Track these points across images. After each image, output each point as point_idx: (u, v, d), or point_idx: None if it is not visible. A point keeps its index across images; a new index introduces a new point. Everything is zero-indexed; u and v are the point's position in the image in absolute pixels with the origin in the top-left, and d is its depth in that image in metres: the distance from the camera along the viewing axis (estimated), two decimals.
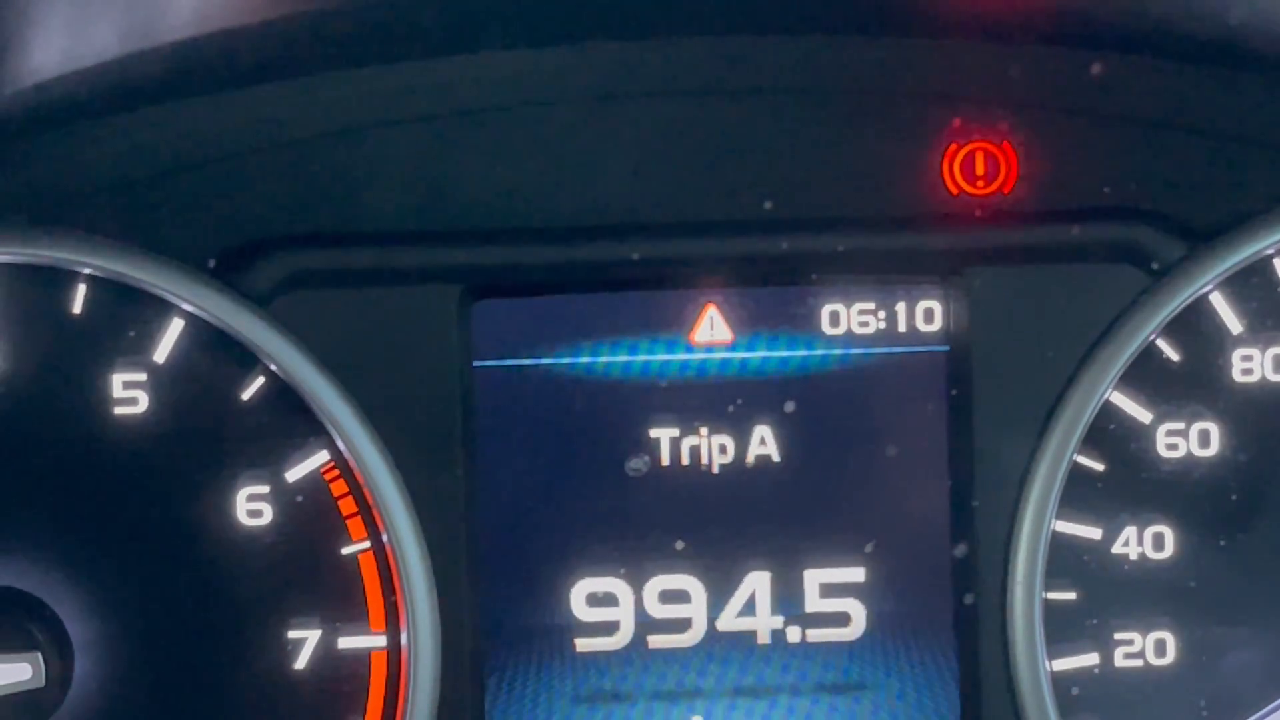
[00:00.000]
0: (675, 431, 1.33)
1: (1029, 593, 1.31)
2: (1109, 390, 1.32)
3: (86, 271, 1.28)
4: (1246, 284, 1.33)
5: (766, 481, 1.33)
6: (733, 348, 1.33)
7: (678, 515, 1.33)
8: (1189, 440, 1.33)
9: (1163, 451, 1.33)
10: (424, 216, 1.31)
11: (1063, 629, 1.32)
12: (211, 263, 1.29)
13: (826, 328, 1.33)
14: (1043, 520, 1.32)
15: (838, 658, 1.34)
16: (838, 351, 1.33)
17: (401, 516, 1.30)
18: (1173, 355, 1.33)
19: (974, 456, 1.33)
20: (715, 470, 1.33)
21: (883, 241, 1.32)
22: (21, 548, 1.28)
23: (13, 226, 1.28)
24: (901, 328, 1.34)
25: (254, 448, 1.30)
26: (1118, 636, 1.33)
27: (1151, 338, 1.32)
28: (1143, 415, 1.33)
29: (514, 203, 1.31)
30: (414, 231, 1.31)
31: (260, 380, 1.30)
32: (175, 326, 1.29)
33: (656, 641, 1.33)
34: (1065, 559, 1.32)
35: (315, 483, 1.30)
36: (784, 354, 1.33)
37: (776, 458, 1.33)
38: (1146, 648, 1.33)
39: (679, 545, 1.33)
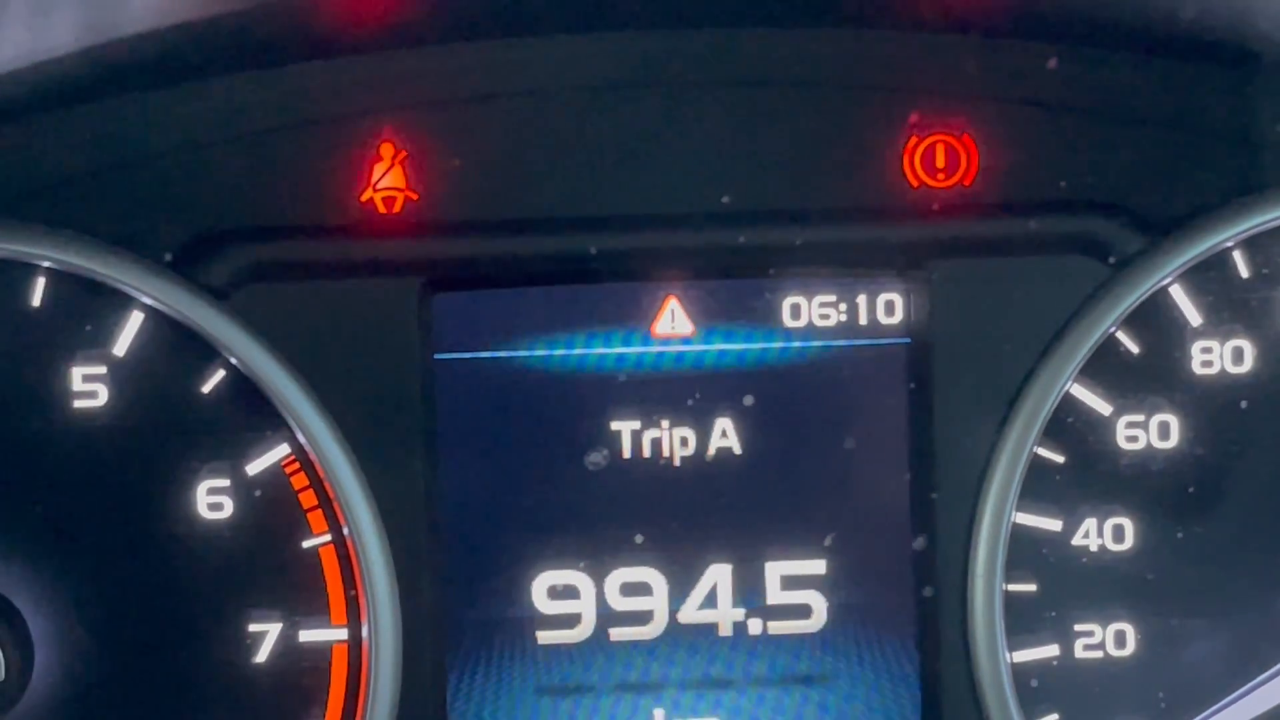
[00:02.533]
0: (636, 424, 1.32)
1: (989, 585, 1.31)
2: (1069, 382, 1.31)
3: (45, 264, 1.27)
4: (1205, 276, 1.32)
5: (727, 474, 1.32)
6: (694, 340, 1.32)
7: (638, 508, 1.32)
8: (1149, 432, 1.32)
9: (1123, 443, 1.32)
10: (384, 208, 1.29)
11: (1023, 621, 1.32)
12: (168, 255, 1.28)
13: (787, 320, 1.32)
14: (1003, 512, 1.31)
15: (799, 650, 1.33)
16: (799, 344, 1.32)
17: (362, 510, 1.28)
18: (1132, 348, 1.32)
19: (934, 449, 1.32)
20: (676, 463, 1.32)
21: (843, 234, 1.32)
22: None
23: None
24: (862, 320, 1.33)
25: (214, 441, 1.29)
26: (1078, 628, 1.32)
27: (1111, 330, 1.31)
28: (1103, 407, 1.32)
29: (473, 195, 1.30)
30: (375, 223, 1.29)
31: (220, 373, 1.29)
32: (134, 319, 1.28)
33: (618, 634, 1.32)
34: (1025, 551, 1.32)
35: (276, 476, 1.29)
36: (745, 346, 1.33)
37: (737, 450, 1.32)
38: (1106, 639, 1.32)
39: (639, 538, 1.32)
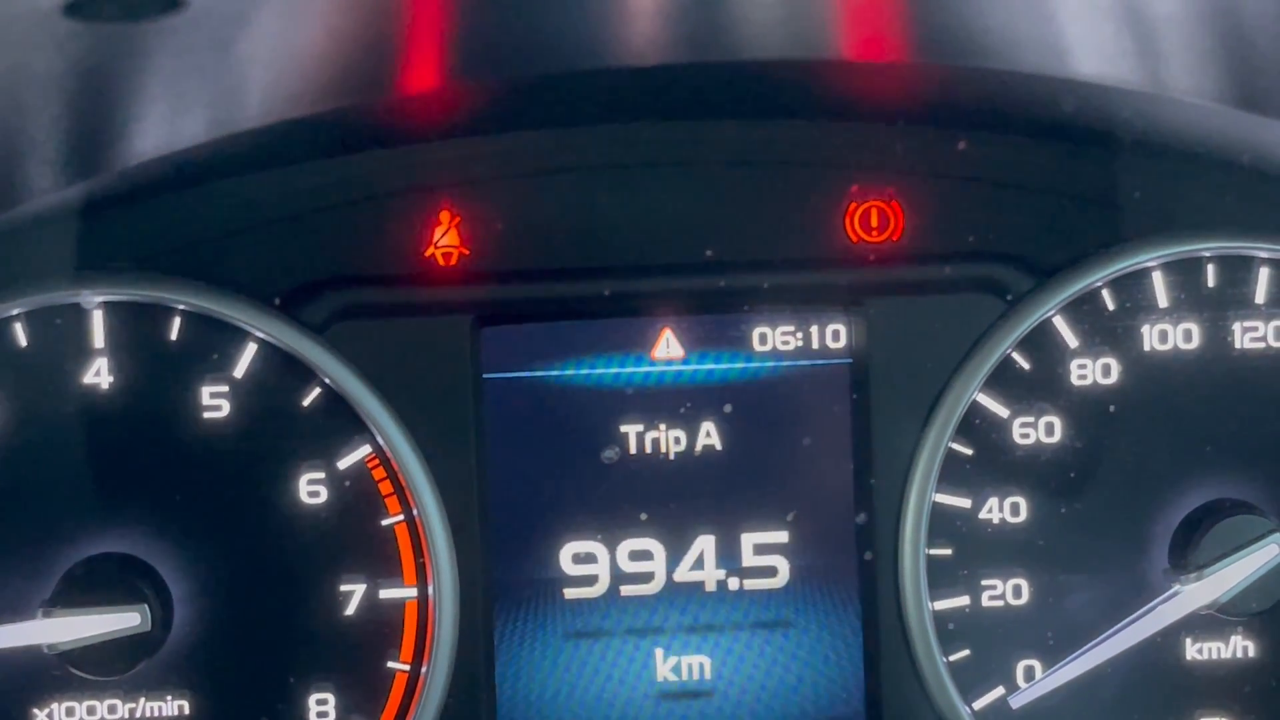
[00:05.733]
0: (640, 428, 1.36)
1: (915, 550, 1.35)
2: (975, 392, 1.35)
3: (180, 307, 1.32)
4: (1081, 310, 1.36)
5: (711, 465, 1.36)
6: (684, 362, 1.36)
7: (643, 492, 1.36)
8: (1038, 430, 1.36)
9: (1018, 439, 1.36)
10: (443, 261, 1.34)
11: (941, 578, 1.36)
12: (278, 299, 1.33)
13: (757, 345, 1.36)
14: (925, 493, 1.35)
15: (767, 601, 1.37)
16: (766, 364, 1.36)
17: (428, 496, 1.33)
18: (1024, 365, 1.36)
19: (871, 444, 1.36)
20: (671, 457, 1.36)
21: (800, 279, 1.36)
22: (133, 522, 1.32)
23: (122, 273, 1.32)
24: (815, 345, 1.36)
25: (312, 443, 1.33)
26: (984, 583, 1.36)
27: (1008, 352, 1.35)
28: (1002, 411, 1.36)
29: (513, 251, 1.34)
30: (436, 273, 1.34)
31: (317, 391, 1.33)
32: (250, 349, 1.33)
33: (627, 590, 1.36)
34: (943, 523, 1.36)
35: (360, 470, 1.34)
36: (724, 366, 1.36)
37: (719, 447, 1.36)
38: (1006, 591, 1.36)
39: (643, 516, 1.36)
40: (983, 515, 1.37)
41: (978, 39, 1.21)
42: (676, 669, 1.38)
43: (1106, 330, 1.37)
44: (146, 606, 1.29)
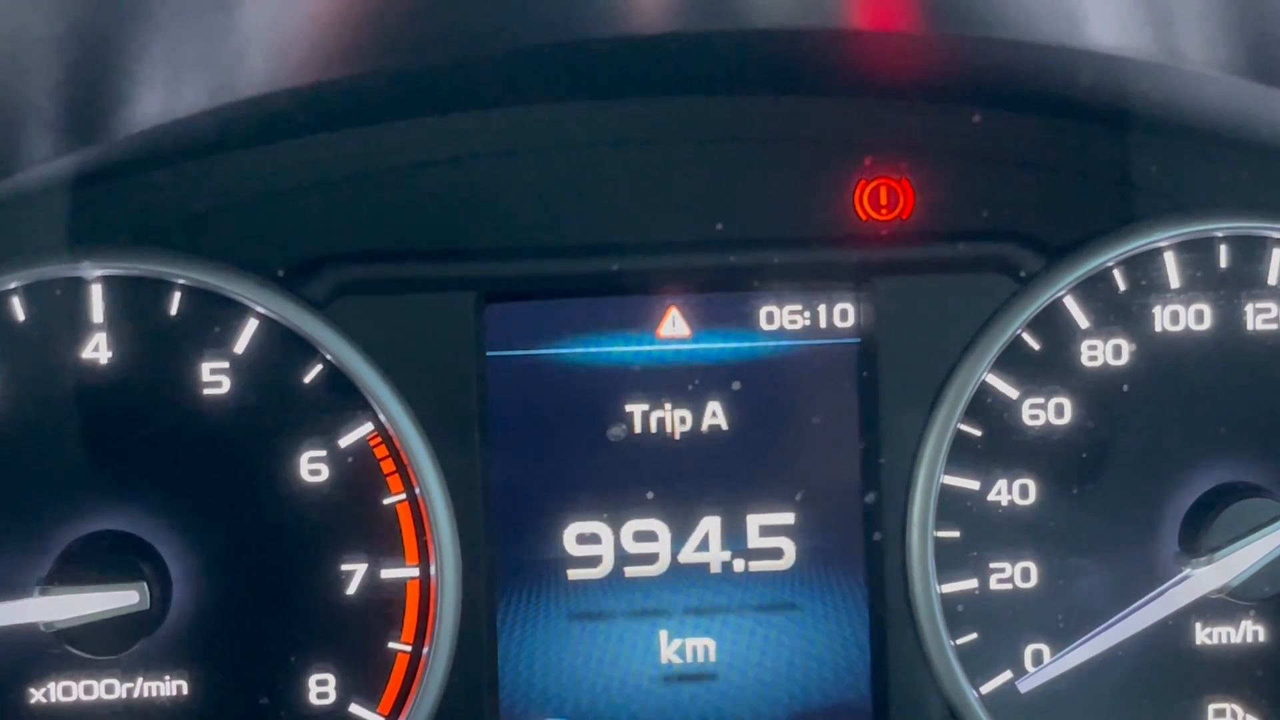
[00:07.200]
0: (646, 406, 1.36)
1: (923, 532, 1.34)
2: (985, 373, 1.34)
3: (180, 281, 1.31)
4: (1092, 289, 1.35)
5: (717, 445, 1.36)
6: (690, 340, 1.36)
7: (648, 472, 1.36)
8: (1048, 412, 1.35)
9: (1027, 421, 1.35)
10: (449, 237, 1.33)
11: (949, 560, 1.35)
12: (280, 274, 1.32)
13: (763, 324, 1.36)
14: (934, 475, 1.34)
15: (773, 584, 1.36)
16: (773, 343, 1.36)
17: (430, 474, 1.32)
18: (1035, 345, 1.36)
19: (879, 425, 1.35)
20: (677, 436, 1.36)
21: (808, 257, 1.35)
22: (132, 500, 1.31)
23: (122, 246, 1.31)
24: (822, 324, 1.36)
25: (313, 420, 1.32)
26: (992, 565, 1.35)
27: (1018, 332, 1.35)
28: (1011, 392, 1.35)
29: (519, 227, 1.34)
30: (441, 249, 1.33)
31: (318, 368, 1.32)
32: (251, 325, 1.32)
33: (631, 572, 1.36)
34: (951, 505, 1.35)
35: (362, 448, 1.32)
36: (730, 345, 1.36)
37: (725, 426, 1.36)
38: (1015, 574, 1.35)
39: (649, 495, 1.36)
40: (991, 497, 1.36)
41: (991, 8, 1.19)
42: (681, 651, 1.37)
43: (1118, 310, 1.36)
44: (145, 584, 1.28)
